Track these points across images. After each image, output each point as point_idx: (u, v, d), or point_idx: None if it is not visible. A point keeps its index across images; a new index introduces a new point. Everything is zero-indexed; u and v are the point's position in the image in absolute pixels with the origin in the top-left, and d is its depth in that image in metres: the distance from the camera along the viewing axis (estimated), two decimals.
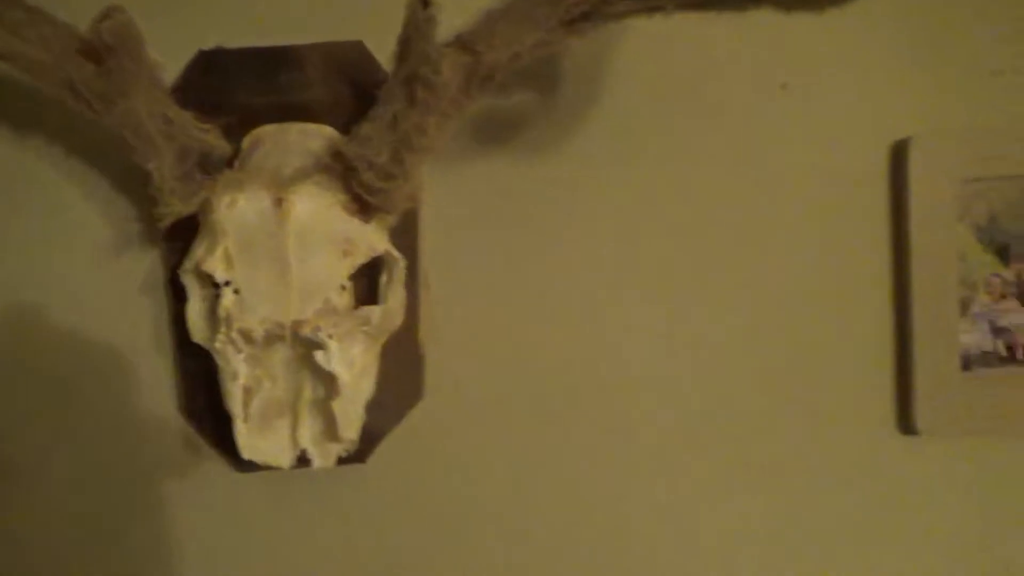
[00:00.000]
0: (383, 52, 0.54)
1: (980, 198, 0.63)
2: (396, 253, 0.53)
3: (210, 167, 0.49)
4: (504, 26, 0.47)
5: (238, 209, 0.48)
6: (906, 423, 0.63)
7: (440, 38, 0.46)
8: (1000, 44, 0.63)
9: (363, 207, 0.50)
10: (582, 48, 0.59)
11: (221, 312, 0.48)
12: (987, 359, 0.64)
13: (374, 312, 0.51)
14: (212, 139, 0.49)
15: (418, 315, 0.57)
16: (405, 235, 0.55)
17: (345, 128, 0.52)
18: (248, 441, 0.49)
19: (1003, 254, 0.64)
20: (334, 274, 0.50)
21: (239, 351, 0.49)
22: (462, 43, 0.47)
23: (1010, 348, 0.64)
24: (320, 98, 0.56)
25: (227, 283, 0.48)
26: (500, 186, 0.60)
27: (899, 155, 0.63)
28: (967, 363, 0.63)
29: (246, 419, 0.49)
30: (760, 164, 0.63)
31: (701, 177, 0.62)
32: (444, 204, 0.59)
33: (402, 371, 0.57)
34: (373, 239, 0.51)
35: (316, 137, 0.53)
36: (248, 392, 0.49)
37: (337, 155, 0.49)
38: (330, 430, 0.50)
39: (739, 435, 0.63)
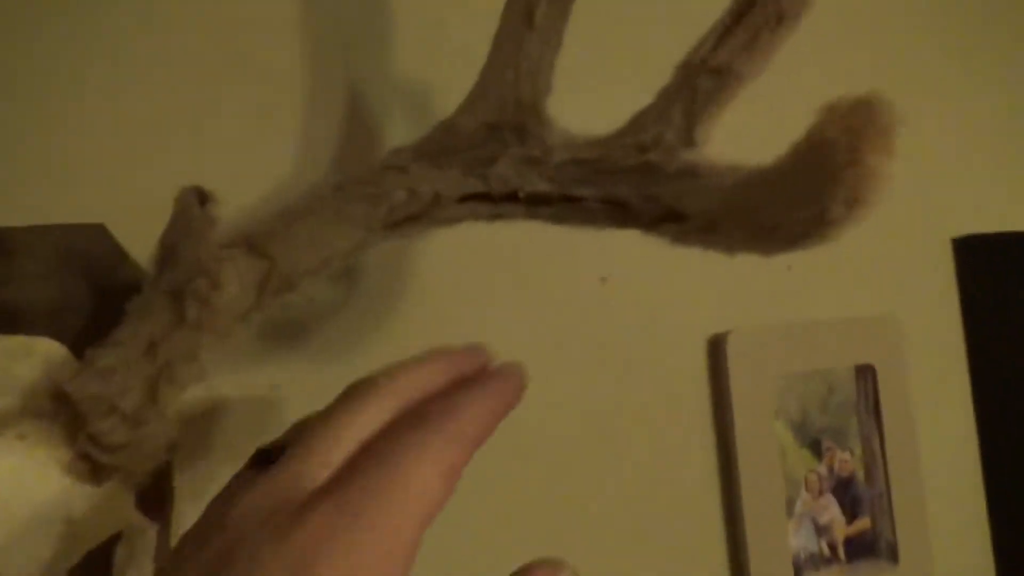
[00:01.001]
0: (136, 239, 0.41)
1: (792, 393, 0.62)
2: (142, 520, 0.37)
3: None
4: (309, 226, 0.37)
5: None
6: None
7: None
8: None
9: (95, 468, 0.35)
10: None
11: None
12: (815, 561, 0.61)
13: None
14: None
15: None
16: (154, 490, 0.40)
17: (75, 344, 0.37)
18: None
19: (816, 449, 0.63)
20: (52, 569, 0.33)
21: None
22: (252, 245, 0.36)
23: (832, 547, 0.62)
24: (38, 298, 0.40)
25: None
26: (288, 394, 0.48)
27: (717, 350, 0.61)
28: (798, 568, 0.60)
29: None
30: (580, 358, 0.57)
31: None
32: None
33: None
34: (108, 512, 0.36)
35: (25, 359, 0.38)
36: None
37: (59, 396, 0.34)
38: None
39: None
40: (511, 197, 0.36)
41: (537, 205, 0.35)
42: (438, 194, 0.36)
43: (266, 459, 0.25)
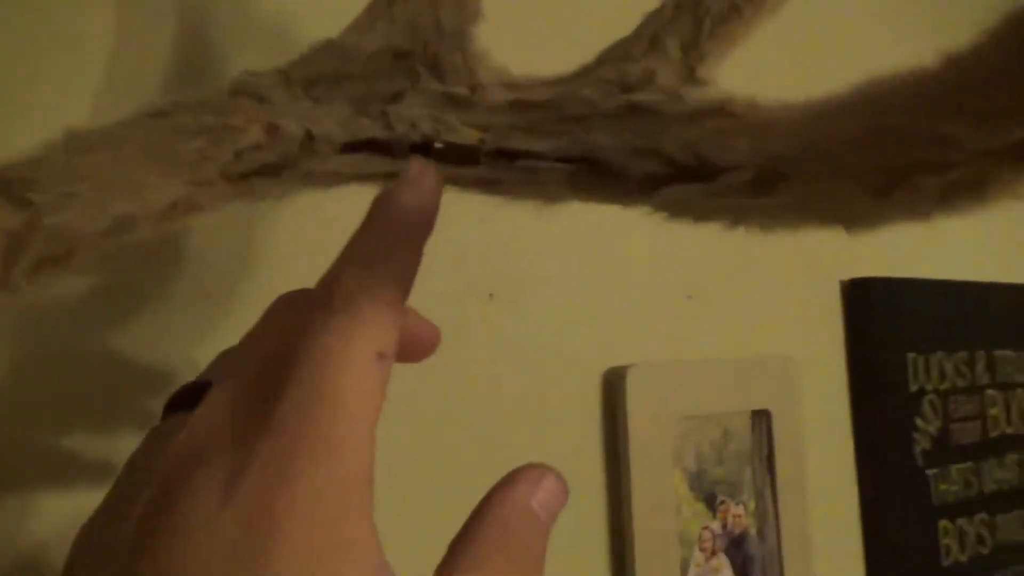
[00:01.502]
0: None
1: (689, 439, 0.55)
2: None
3: None
4: (103, 166, 0.24)
5: None
6: None
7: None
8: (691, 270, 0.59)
9: None
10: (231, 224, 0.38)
11: None
12: None
13: None
14: None
15: None
16: None
17: None
18: None
19: (711, 503, 0.56)
20: None
21: None
22: (3, 186, 0.22)
23: None
24: None
25: None
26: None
27: (614, 386, 0.52)
28: None
29: None
30: (458, 381, 0.47)
31: (406, 395, 0.43)
32: None
33: None
34: None
35: None
36: None
37: None
38: None
39: None
40: (420, 149, 0.25)
41: (459, 163, 0.25)
42: (312, 135, 0.25)
43: (182, 404, 0.23)
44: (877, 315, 0.68)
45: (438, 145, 0.24)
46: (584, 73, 0.24)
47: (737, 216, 0.18)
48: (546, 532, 0.20)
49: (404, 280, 0.21)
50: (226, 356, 0.28)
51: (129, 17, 0.36)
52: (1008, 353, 0.81)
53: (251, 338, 0.24)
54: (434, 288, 0.46)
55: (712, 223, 0.19)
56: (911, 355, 0.71)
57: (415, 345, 0.26)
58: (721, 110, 0.19)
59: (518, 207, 0.25)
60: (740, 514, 0.57)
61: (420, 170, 0.22)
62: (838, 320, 0.68)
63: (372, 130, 0.25)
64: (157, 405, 0.33)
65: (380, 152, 0.25)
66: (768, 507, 0.59)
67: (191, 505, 0.17)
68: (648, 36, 0.23)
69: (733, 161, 0.17)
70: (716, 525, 0.56)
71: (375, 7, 0.28)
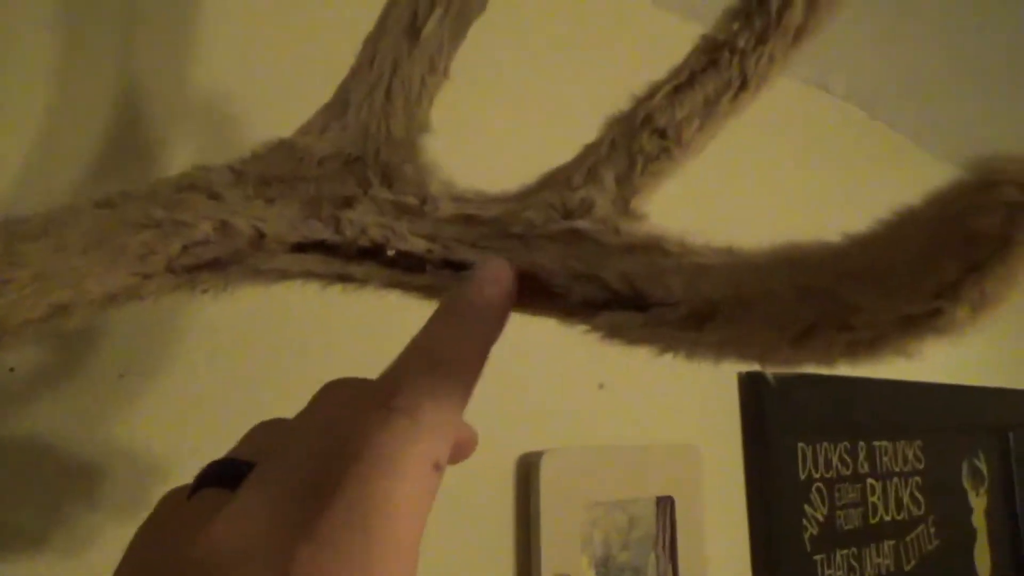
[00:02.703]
0: None
1: (597, 525, 0.57)
2: None
3: None
4: (44, 252, 0.24)
5: None
6: None
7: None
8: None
9: None
10: None
11: None
12: None
13: None
14: None
15: None
16: None
17: None
18: None
19: None
20: None
21: None
22: None
23: None
24: None
25: None
26: None
27: (527, 471, 0.53)
28: None
29: None
30: None
31: None
32: None
33: None
34: None
35: None
36: None
37: None
38: None
39: None
40: (369, 254, 0.26)
41: (407, 270, 0.26)
42: (263, 234, 0.26)
43: (218, 478, 0.21)
44: (770, 406, 0.73)
45: (390, 253, 0.26)
46: (527, 195, 0.26)
47: (667, 345, 0.20)
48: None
49: (468, 386, 0.20)
50: (268, 433, 0.25)
51: (72, 91, 0.36)
52: (885, 444, 0.87)
53: (301, 423, 0.22)
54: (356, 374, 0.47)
55: (642, 348, 0.21)
56: (800, 445, 0.75)
57: (458, 449, 0.24)
58: (656, 247, 0.21)
59: None
60: None
61: (496, 271, 0.22)
62: (735, 410, 0.71)
63: (322, 233, 0.26)
64: (65, 483, 0.31)
65: (330, 254, 0.26)
66: None
67: None
68: (587, 167, 0.25)
69: (667, 297, 0.19)
70: None
71: (328, 110, 0.29)
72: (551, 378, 0.57)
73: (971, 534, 1.00)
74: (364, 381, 0.23)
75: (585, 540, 0.55)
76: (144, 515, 0.22)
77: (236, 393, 0.40)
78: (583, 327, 0.23)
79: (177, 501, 0.22)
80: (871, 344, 0.15)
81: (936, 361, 1.01)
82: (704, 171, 0.66)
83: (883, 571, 0.83)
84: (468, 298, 0.22)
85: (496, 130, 0.55)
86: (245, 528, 0.18)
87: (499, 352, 0.54)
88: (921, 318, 0.15)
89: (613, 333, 0.22)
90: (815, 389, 0.78)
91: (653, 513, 0.61)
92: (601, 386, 0.60)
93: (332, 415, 0.21)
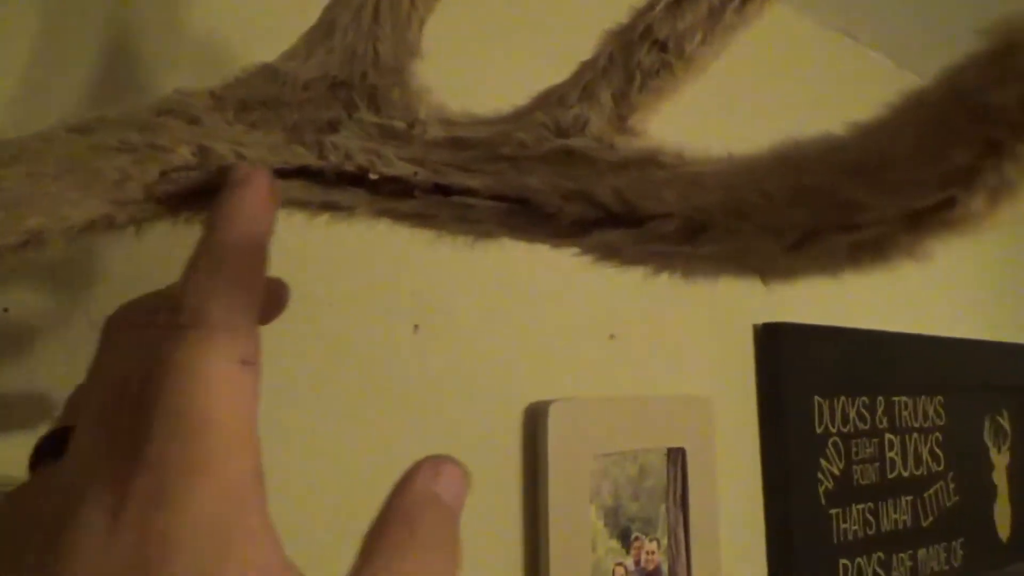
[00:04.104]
0: None
1: (607, 476, 0.56)
2: None
3: None
4: (18, 177, 0.23)
5: None
6: None
7: None
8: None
9: None
10: None
11: None
12: None
13: None
14: None
15: None
16: None
17: None
18: None
19: (625, 539, 0.57)
20: None
21: None
22: None
23: None
24: None
25: None
26: None
27: (535, 420, 0.53)
28: None
29: None
30: (385, 410, 0.47)
31: (331, 426, 0.42)
32: None
33: None
34: None
35: None
36: None
37: None
38: None
39: None
40: (354, 180, 0.25)
41: (394, 196, 0.25)
42: (244, 159, 0.25)
43: (46, 454, 0.23)
44: (787, 359, 0.71)
45: (373, 177, 0.25)
46: (519, 115, 0.24)
47: (661, 263, 0.19)
48: (454, 515, 0.21)
49: (253, 282, 0.21)
50: (78, 394, 0.27)
51: (55, 23, 0.35)
52: (905, 399, 0.86)
53: (97, 368, 0.23)
54: (360, 316, 0.46)
55: (637, 269, 0.20)
56: (817, 398, 0.74)
57: (270, 307, 0.26)
58: (651, 160, 0.20)
59: (450, 242, 0.26)
60: (653, 551, 0.58)
61: (247, 173, 0.23)
62: (751, 363, 0.70)
63: (305, 158, 0.25)
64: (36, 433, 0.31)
65: (313, 180, 0.25)
66: (680, 545, 0.60)
67: (80, 544, 0.17)
68: (582, 84, 0.24)
69: (660, 210, 0.18)
70: (629, 561, 0.57)
71: (314, 34, 0.28)
72: (561, 327, 0.56)
73: (991, 491, 0.99)
74: (143, 302, 0.24)
75: (594, 491, 0.55)
76: None
77: None
78: (575, 250, 0.21)
79: (19, 488, 0.24)
80: (877, 246, 0.14)
81: (961, 316, 0.99)
82: (721, 116, 0.64)
83: (900, 526, 0.82)
84: (227, 201, 0.22)
85: (493, 55, 0.53)
86: (81, 479, 0.18)
87: (508, 300, 0.54)
88: (932, 212, 0.13)
89: (606, 254, 0.20)
90: (833, 343, 0.77)
91: (664, 464, 0.60)
92: (612, 336, 0.59)
93: (123, 347, 0.22)
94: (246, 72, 0.27)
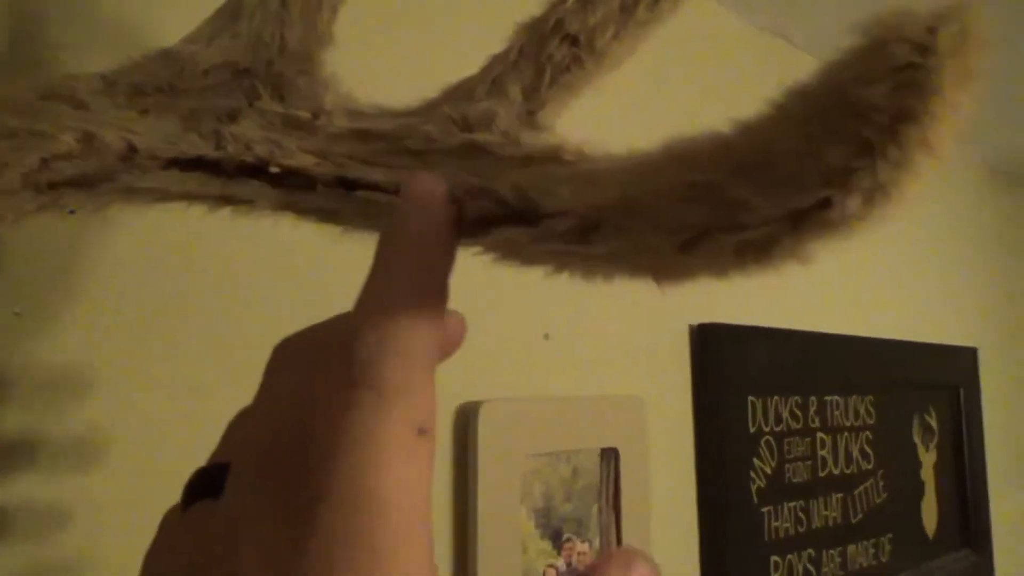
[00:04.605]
0: None
1: (538, 476, 0.56)
2: None
3: None
4: None
5: None
6: None
7: None
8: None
9: None
10: None
11: None
12: None
13: None
14: None
15: None
16: None
17: None
18: None
19: (556, 540, 0.57)
20: None
21: None
22: None
23: None
24: None
25: None
26: None
27: (465, 421, 0.52)
28: None
29: None
30: None
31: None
32: None
33: None
34: None
35: None
36: None
37: None
38: None
39: None
40: (255, 172, 0.24)
41: (296, 189, 0.24)
42: (134, 148, 0.23)
43: (202, 489, 0.21)
44: (721, 359, 0.72)
45: (273, 169, 0.23)
46: (427, 108, 0.23)
47: (559, 263, 0.18)
48: None
49: (433, 329, 0.18)
50: (240, 421, 0.24)
51: None
52: (836, 399, 0.87)
53: (262, 403, 0.21)
54: (276, 316, 0.44)
55: (536, 268, 0.19)
56: (751, 398, 0.75)
57: (448, 345, 0.22)
58: (553, 156, 0.19)
59: (356, 239, 0.25)
60: (585, 552, 0.58)
61: (425, 186, 0.19)
62: (686, 363, 0.71)
63: (201, 148, 0.24)
64: None
65: (210, 172, 0.24)
66: (612, 546, 0.60)
67: None
68: (491, 78, 0.23)
69: (556, 207, 0.17)
70: (560, 563, 0.56)
71: (219, 18, 0.27)
72: (494, 326, 0.56)
73: (919, 488, 1.02)
74: (315, 336, 0.21)
75: (525, 491, 0.54)
76: None
77: (145, 332, 0.38)
78: (476, 248, 0.21)
79: (175, 521, 0.21)
80: (762, 247, 0.14)
81: (889, 318, 1.01)
82: (657, 118, 0.65)
83: (830, 524, 0.84)
84: (404, 223, 0.19)
85: (408, 44, 0.52)
86: (240, 529, 0.17)
87: None
88: (811, 212, 0.13)
89: (507, 252, 0.20)
90: (768, 343, 0.78)
91: (597, 465, 0.60)
92: (547, 336, 0.59)
93: (293, 389, 0.19)
94: (143, 56, 0.26)
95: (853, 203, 0.12)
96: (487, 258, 0.20)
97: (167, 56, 0.25)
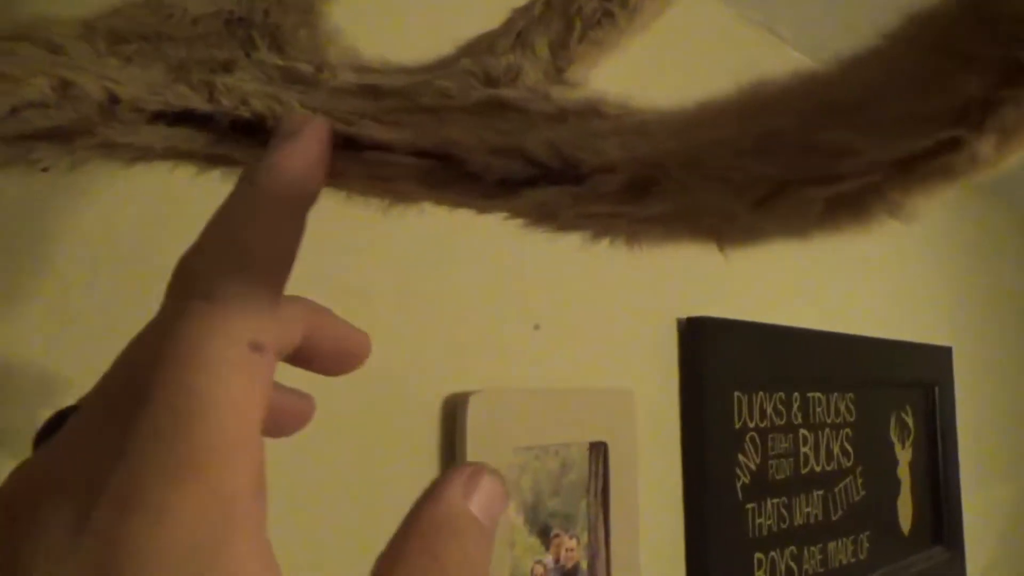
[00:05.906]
0: None
1: (527, 470, 0.54)
2: None
3: None
4: None
5: None
6: None
7: None
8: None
9: None
10: None
11: None
12: None
13: None
14: None
15: None
16: None
17: None
18: None
19: (544, 536, 0.55)
20: None
21: None
22: None
23: None
24: None
25: None
26: None
27: (454, 412, 0.50)
28: None
29: None
30: None
31: None
32: None
33: None
34: None
35: None
36: None
37: None
38: None
39: None
40: (249, 129, 0.22)
41: None
42: (116, 98, 0.21)
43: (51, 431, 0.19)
44: (709, 353, 0.71)
45: (270, 124, 0.21)
46: (443, 64, 0.21)
47: (602, 227, 0.16)
48: (488, 540, 0.18)
49: (279, 258, 0.18)
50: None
51: None
52: (819, 395, 0.87)
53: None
54: None
55: (575, 233, 0.17)
56: (737, 393, 0.74)
57: (341, 355, 0.23)
58: (592, 110, 0.17)
59: (362, 206, 0.23)
60: (573, 547, 0.56)
61: (300, 124, 0.19)
62: (674, 356, 0.69)
63: (191, 100, 0.21)
64: None
65: (198, 127, 0.22)
66: (600, 542, 0.58)
67: (36, 548, 0.14)
68: (515, 32, 0.21)
69: (602, 164, 0.16)
70: (549, 559, 0.55)
71: None
72: (484, 316, 0.54)
73: (896, 486, 1.02)
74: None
75: (513, 486, 0.52)
76: None
77: (121, 312, 0.35)
78: (503, 213, 0.19)
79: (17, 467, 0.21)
80: (858, 200, 0.12)
81: (868, 315, 1.01)
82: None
83: (812, 520, 0.83)
84: (265, 159, 0.19)
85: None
86: (59, 463, 0.16)
87: (427, 284, 0.51)
88: (928, 157, 0.11)
89: (539, 217, 0.18)
90: (754, 338, 0.77)
91: (586, 459, 0.58)
92: (537, 327, 0.57)
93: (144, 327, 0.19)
94: (128, 3, 0.23)
95: (986, 144, 0.10)
96: (515, 224, 0.19)
97: (153, 3, 0.23)
